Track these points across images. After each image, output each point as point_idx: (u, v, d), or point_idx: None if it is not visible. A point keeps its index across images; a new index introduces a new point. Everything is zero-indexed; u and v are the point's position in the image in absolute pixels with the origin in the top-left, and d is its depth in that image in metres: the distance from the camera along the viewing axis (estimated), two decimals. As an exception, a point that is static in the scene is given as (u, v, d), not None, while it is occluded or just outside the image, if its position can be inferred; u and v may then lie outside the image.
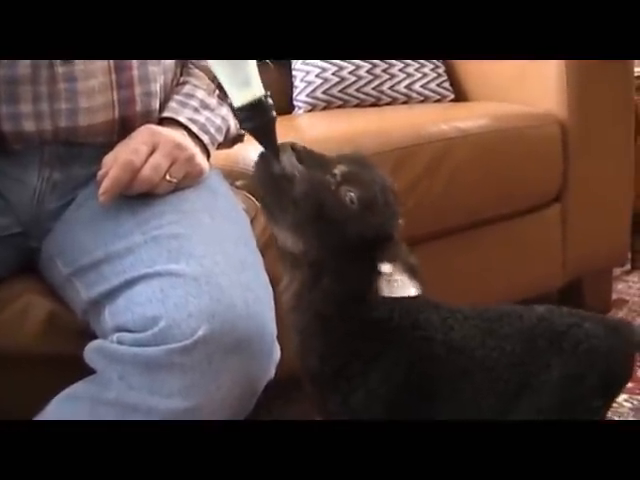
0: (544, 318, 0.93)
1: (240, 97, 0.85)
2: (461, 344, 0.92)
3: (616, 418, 1.46)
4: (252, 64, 0.86)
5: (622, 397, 1.53)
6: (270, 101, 0.86)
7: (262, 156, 0.89)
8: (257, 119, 0.86)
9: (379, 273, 0.87)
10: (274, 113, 0.87)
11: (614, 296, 2.05)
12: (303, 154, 0.88)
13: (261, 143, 0.88)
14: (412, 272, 0.87)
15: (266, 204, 0.91)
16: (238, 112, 0.86)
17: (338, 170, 0.89)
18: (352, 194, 0.88)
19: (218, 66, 0.87)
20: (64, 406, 0.95)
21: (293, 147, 0.88)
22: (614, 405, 1.47)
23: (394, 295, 0.87)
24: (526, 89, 1.84)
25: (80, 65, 1.01)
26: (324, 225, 0.88)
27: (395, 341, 0.91)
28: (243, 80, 0.85)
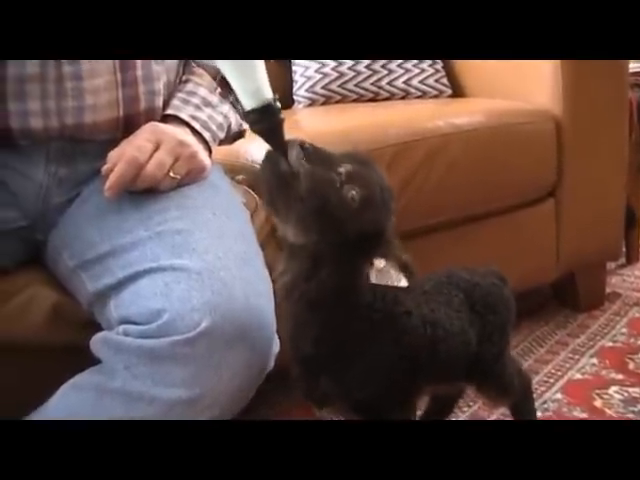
0: (475, 283, 1.13)
1: (250, 100, 0.88)
2: (431, 317, 1.04)
3: (607, 410, 1.48)
4: (261, 68, 0.88)
5: (613, 389, 1.56)
6: (278, 104, 0.89)
7: (269, 154, 0.91)
8: (266, 121, 0.89)
9: (372, 266, 0.92)
10: (282, 115, 0.90)
11: (608, 290, 2.07)
12: (310, 152, 0.91)
13: (270, 144, 0.90)
14: (403, 266, 0.91)
15: (271, 199, 0.94)
16: (248, 114, 0.89)
17: (343, 169, 0.92)
18: (354, 193, 0.91)
19: (228, 69, 0.89)
20: (70, 395, 0.97)
21: (301, 145, 0.90)
22: (605, 397, 1.51)
23: (384, 284, 0.92)
24: (522, 85, 1.85)
25: (86, 64, 1.03)
26: (326, 220, 0.91)
27: (382, 319, 0.97)
28: (253, 84, 0.88)
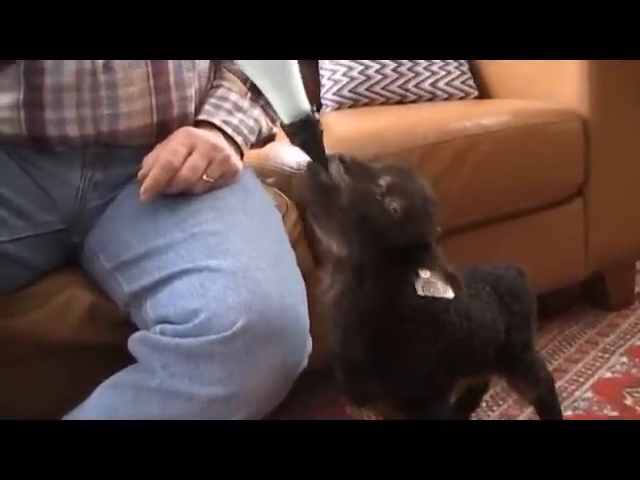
0: (499, 276, 1.16)
1: (289, 114, 0.89)
2: (466, 311, 1.04)
3: (638, 408, 1.48)
4: (298, 80, 0.89)
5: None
6: (317, 115, 0.90)
7: (310, 166, 0.92)
8: (306, 134, 0.90)
9: (418, 277, 0.92)
10: (321, 127, 0.90)
11: (637, 289, 2.06)
12: (350, 165, 0.91)
13: (310, 156, 0.91)
14: (449, 277, 0.91)
15: (314, 211, 0.95)
16: (288, 128, 0.90)
17: (383, 181, 0.92)
18: (396, 204, 0.91)
19: (264, 84, 0.90)
20: (108, 393, 0.99)
21: (341, 159, 0.91)
22: (636, 395, 1.51)
23: (431, 296, 0.92)
24: (548, 86, 1.84)
25: (120, 73, 1.06)
26: (368, 232, 0.91)
27: (425, 318, 0.98)
28: (290, 97, 0.89)
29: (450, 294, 0.91)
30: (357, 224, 0.91)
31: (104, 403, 0.99)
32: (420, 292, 0.92)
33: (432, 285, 0.91)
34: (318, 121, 0.91)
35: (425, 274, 0.92)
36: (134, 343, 0.99)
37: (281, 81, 0.89)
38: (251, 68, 0.91)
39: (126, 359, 0.99)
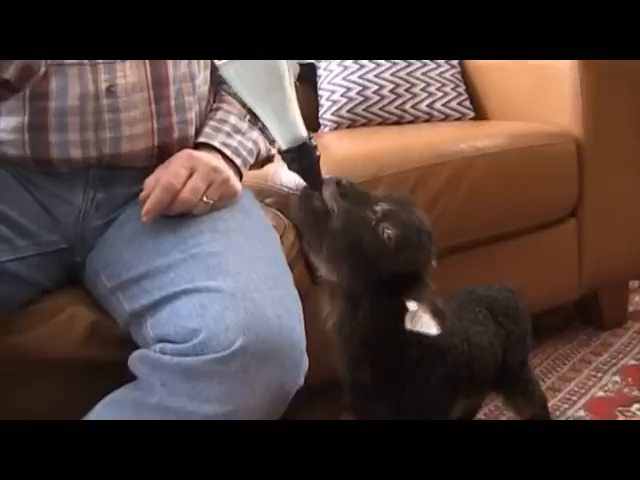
0: (494, 298, 1.18)
1: (286, 141, 0.92)
2: (465, 335, 1.06)
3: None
4: (295, 107, 0.91)
5: (635, 406, 1.57)
6: (314, 142, 0.92)
7: (304, 191, 0.94)
8: (303, 160, 0.92)
9: (406, 309, 0.92)
10: (318, 153, 0.92)
11: (631, 308, 2.08)
12: (347, 189, 0.92)
13: (306, 182, 0.93)
14: (436, 313, 0.90)
15: (306, 235, 0.96)
16: (285, 154, 0.92)
17: (379, 208, 0.92)
18: (390, 232, 0.91)
19: (263, 112, 0.92)
20: (108, 410, 1.01)
21: (338, 182, 0.92)
22: (627, 414, 1.52)
23: (416, 330, 0.91)
24: (543, 107, 1.87)
25: (123, 97, 1.08)
26: (359, 259, 0.91)
27: (429, 342, 0.97)
28: (288, 123, 0.91)
29: (434, 331, 0.90)
30: (348, 248, 0.91)
31: (104, 419, 1.00)
32: (407, 325, 0.91)
33: (418, 319, 0.91)
34: (315, 147, 0.93)
35: (413, 307, 0.91)
36: (134, 361, 1.00)
37: (279, 108, 0.91)
38: (249, 95, 0.93)
39: (126, 376, 1.01)
